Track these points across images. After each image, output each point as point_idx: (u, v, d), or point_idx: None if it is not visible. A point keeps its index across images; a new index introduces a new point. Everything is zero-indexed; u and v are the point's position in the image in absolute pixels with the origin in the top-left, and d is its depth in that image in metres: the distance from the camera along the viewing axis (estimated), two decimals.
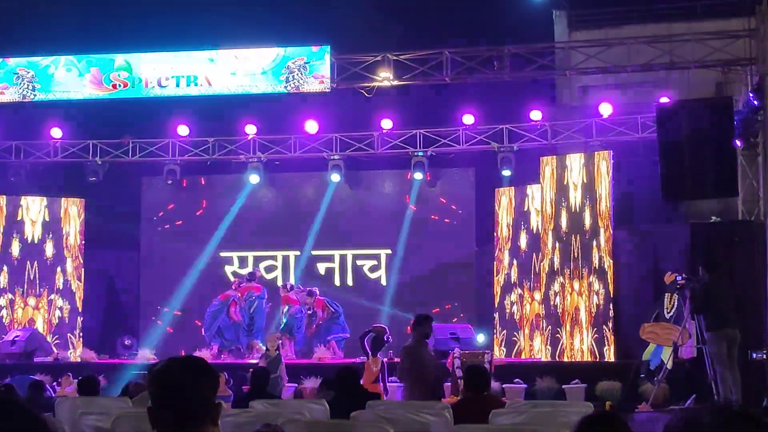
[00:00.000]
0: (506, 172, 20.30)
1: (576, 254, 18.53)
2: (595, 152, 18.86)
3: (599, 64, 18.67)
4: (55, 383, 17.28)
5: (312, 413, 8.04)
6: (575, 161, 18.95)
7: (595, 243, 18.36)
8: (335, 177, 21.39)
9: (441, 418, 7.63)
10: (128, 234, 22.46)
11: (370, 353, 16.15)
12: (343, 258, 22.20)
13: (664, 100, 18.03)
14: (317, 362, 18.70)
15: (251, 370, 13.11)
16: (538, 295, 19.41)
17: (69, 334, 21.25)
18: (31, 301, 21.18)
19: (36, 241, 21.41)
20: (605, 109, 19.15)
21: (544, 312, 18.97)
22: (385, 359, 16.35)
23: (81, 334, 21.43)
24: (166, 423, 3.34)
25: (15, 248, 21.28)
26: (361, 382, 14.62)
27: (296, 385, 17.08)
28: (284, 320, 19.89)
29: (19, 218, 21.39)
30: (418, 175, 21.01)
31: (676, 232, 17.85)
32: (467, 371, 9.33)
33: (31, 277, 21.22)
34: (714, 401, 12.66)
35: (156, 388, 3.42)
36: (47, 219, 21.52)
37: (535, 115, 19.75)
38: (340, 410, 7.96)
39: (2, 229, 21.28)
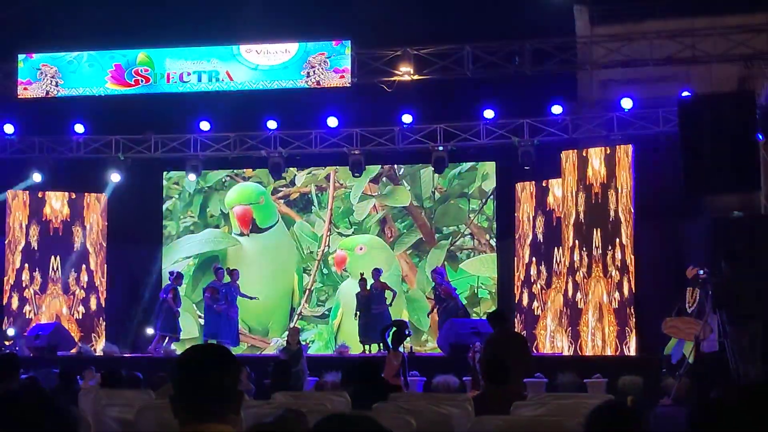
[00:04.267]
0: (527, 166, 20.24)
1: (598, 249, 18.48)
2: (617, 146, 18.81)
3: (621, 59, 18.61)
4: (78, 377, 17.33)
5: (333, 405, 8.06)
6: (596, 155, 18.91)
7: (616, 237, 18.31)
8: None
9: (462, 410, 7.64)
10: (151, 229, 22.60)
11: (391, 347, 16.15)
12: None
13: (685, 94, 17.96)
14: (338, 356, 18.72)
15: (272, 363, 13.20)
16: (559, 290, 19.38)
17: (92, 328, 21.36)
18: (55, 295, 21.29)
19: (59, 236, 21.52)
20: (626, 104, 19.06)
21: (565, 306, 18.93)
22: (406, 353, 16.35)
23: (104, 328, 21.54)
24: (187, 411, 3.36)
25: (38, 243, 21.38)
26: (383, 375, 14.69)
27: (317, 378, 17.11)
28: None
29: (42, 213, 21.50)
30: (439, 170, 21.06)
31: (698, 227, 17.77)
32: (487, 364, 9.32)
33: (55, 272, 21.33)
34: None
35: (178, 377, 3.44)
36: (70, 214, 21.62)
37: (556, 109, 19.68)
38: (361, 403, 7.98)
39: (26, 224, 21.39)
